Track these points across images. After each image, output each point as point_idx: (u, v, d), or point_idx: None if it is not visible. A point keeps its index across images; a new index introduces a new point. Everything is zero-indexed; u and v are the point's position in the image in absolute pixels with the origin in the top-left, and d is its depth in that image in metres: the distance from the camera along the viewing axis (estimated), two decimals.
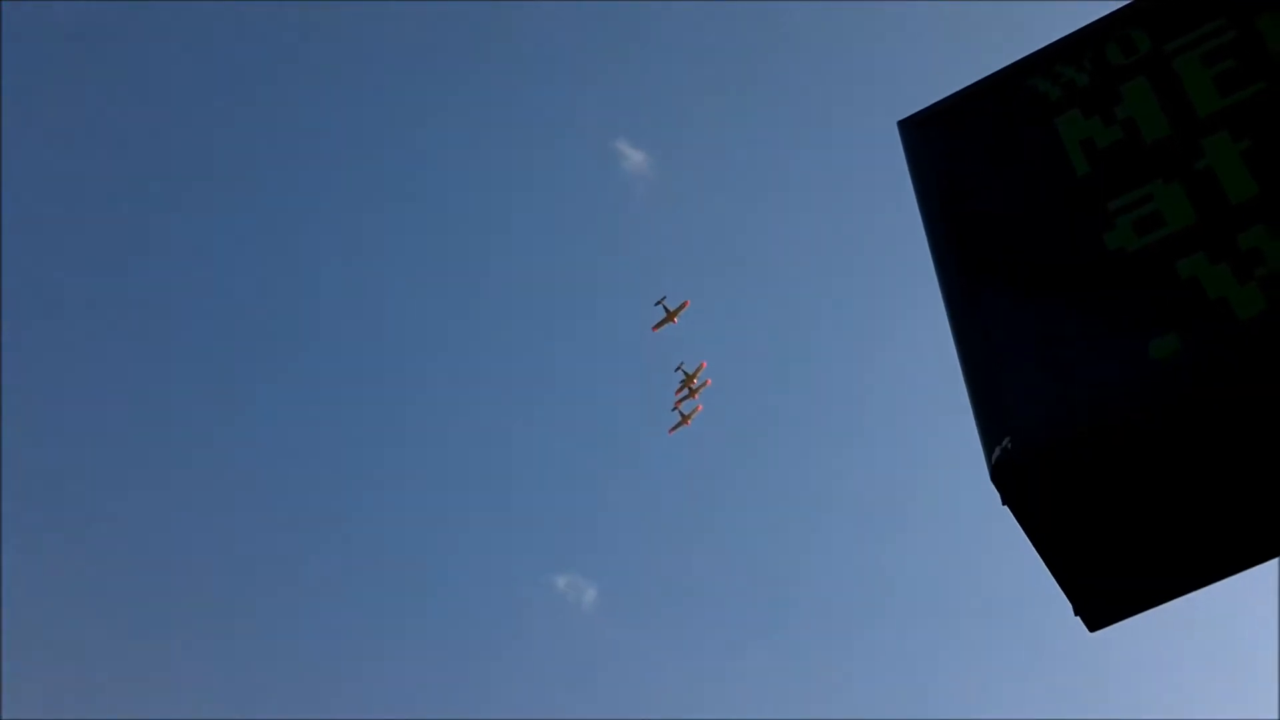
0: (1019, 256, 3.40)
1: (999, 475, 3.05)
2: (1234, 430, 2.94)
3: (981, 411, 3.18)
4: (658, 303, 57.13)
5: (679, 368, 57.73)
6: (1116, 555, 3.17)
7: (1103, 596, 3.24)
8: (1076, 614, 3.27)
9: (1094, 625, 3.28)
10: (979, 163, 3.63)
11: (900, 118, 3.88)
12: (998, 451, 3.07)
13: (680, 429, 60.21)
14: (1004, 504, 3.07)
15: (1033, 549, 3.18)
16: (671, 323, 58.04)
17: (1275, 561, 3.15)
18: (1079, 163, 3.44)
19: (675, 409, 59.62)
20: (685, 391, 58.50)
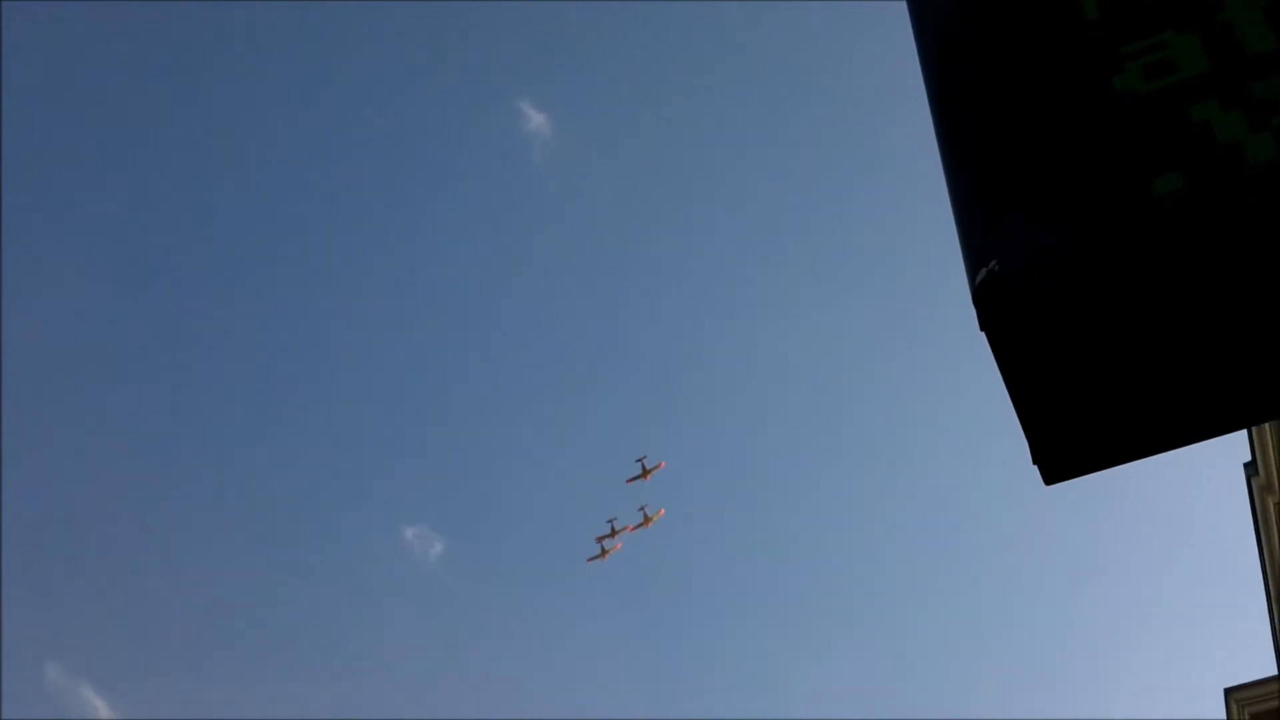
0: (1019, 89, 3.26)
1: (981, 297, 2.91)
2: (1229, 274, 2.82)
3: (969, 234, 3.03)
4: (638, 460, 58.73)
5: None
6: (1087, 402, 3.04)
7: (1065, 447, 3.10)
8: (1035, 463, 3.14)
9: (1050, 478, 3.16)
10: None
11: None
12: (983, 273, 2.92)
13: (597, 560, 60.84)
14: (981, 329, 2.93)
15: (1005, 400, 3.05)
16: (644, 479, 59.32)
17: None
18: (1089, 6, 3.31)
19: (601, 542, 59.98)
20: (612, 538, 59.32)
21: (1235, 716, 17.40)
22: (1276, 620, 14.81)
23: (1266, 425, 13.74)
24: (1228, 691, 17.42)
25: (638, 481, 62.32)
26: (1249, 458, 14.57)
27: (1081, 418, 3.06)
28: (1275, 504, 14.24)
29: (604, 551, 61.46)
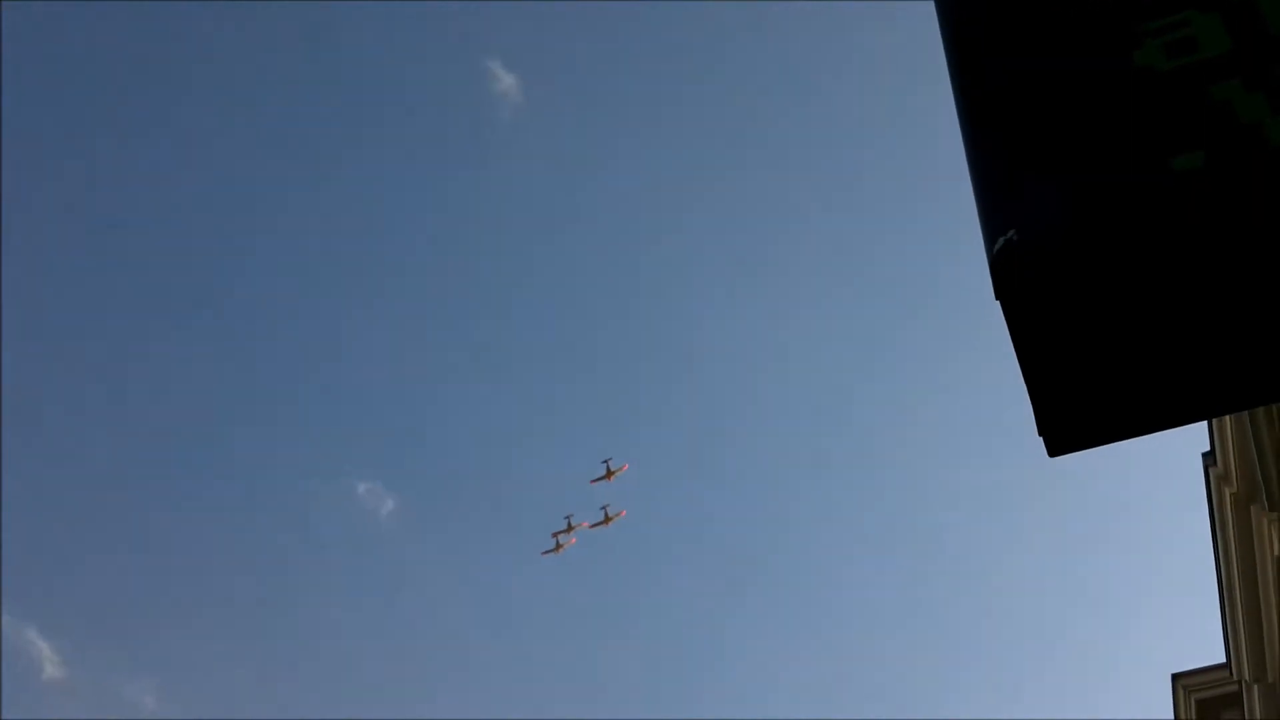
0: (1040, 65, 3.26)
1: (999, 266, 2.92)
2: (1248, 255, 2.84)
3: (988, 202, 3.03)
4: (604, 461, 60.07)
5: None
6: (1097, 374, 3.05)
7: (1072, 419, 3.12)
8: (1040, 434, 3.16)
9: (1055, 449, 3.17)
10: None
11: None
12: (1001, 241, 2.93)
13: (552, 553, 62.19)
14: (997, 297, 2.94)
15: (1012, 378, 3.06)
16: (608, 480, 60.69)
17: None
18: None
19: (556, 537, 61.21)
20: (567, 531, 60.65)
21: (1182, 702, 17.62)
22: (1227, 609, 14.98)
23: (1226, 416, 13.87)
24: (1175, 677, 17.64)
25: (601, 482, 63.76)
26: (1208, 448, 14.71)
27: (1090, 390, 3.07)
28: (1232, 495, 14.38)
29: (559, 545, 63.13)
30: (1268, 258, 2.79)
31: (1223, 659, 16.00)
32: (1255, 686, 14.77)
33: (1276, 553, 13.65)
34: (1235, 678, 15.29)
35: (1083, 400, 3.09)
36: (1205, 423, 14.50)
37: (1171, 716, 17.77)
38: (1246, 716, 15.26)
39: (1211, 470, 14.69)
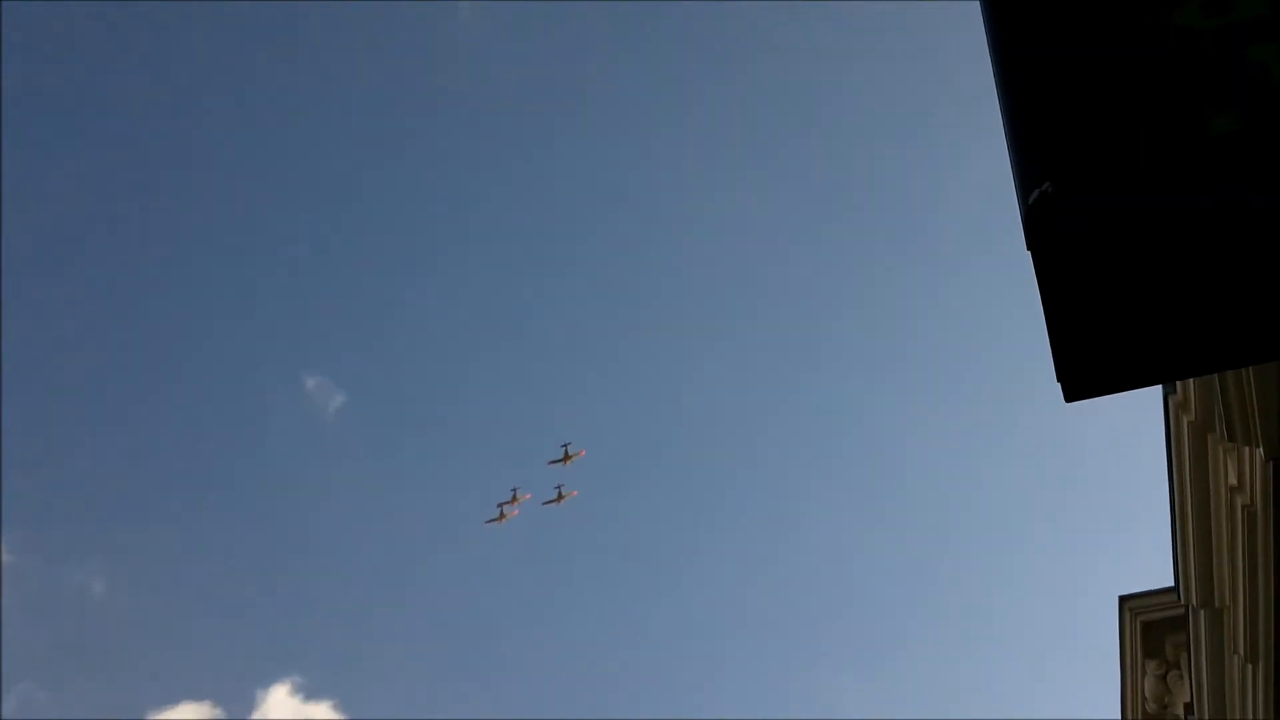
0: (1079, 21, 3.31)
1: (1033, 216, 2.99)
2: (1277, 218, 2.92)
3: (1024, 154, 3.10)
4: (562, 445, 61.68)
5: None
6: (1119, 324, 3.14)
7: (1090, 366, 3.22)
8: (1059, 379, 3.25)
9: (1071, 395, 3.27)
10: None
11: None
12: (1036, 193, 3.01)
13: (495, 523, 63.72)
14: (1029, 248, 3.02)
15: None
16: (564, 464, 62.45)
17: None
18: None
19: (500, 509, 62.74)
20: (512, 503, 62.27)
21: (1128, 624, 17.99)
22: (1178, 535, 15.27)
23: None
24: (1122, 599, 18.00)
25: (558, 465, 66.30)
26: None
27: (1110, 340, 3.17)
28: (1190, 423, 14.59)
29: (502, 515, 65.23)
30: None
31: (1170, 584, 16.34)
32: (1202, 611, 15.10)
33: (1230, 481, 13.90)
34: (1182, 602, 15.62)
35: (1102, 349, 3.18)
36: None
37: (1117, 638, 18.16)
38: (1191, 639, 15.62)
39: (1171, 398, 14.90)
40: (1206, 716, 15.52)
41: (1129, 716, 18.62)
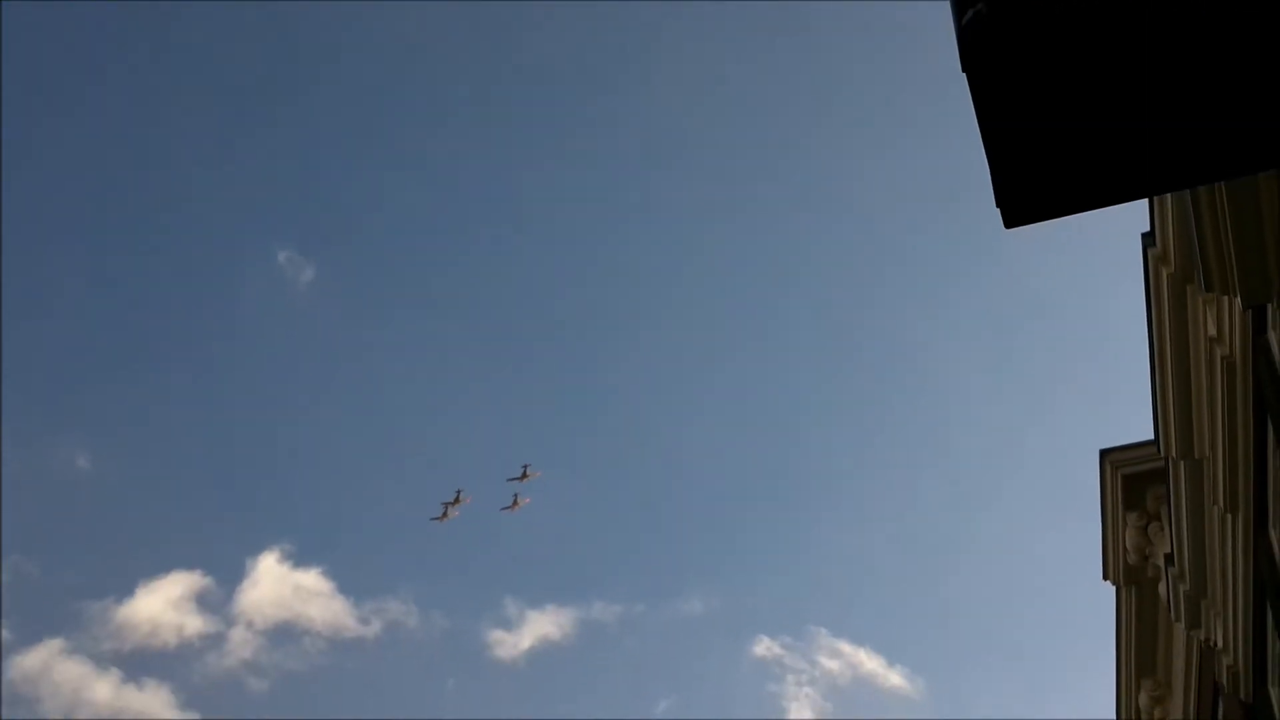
0: None
1: (967, 36, 2.92)
2: (1207, 31, 2.86)
3: None
4: (523, 465, 65.76)
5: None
6: (1055, 146, 3.09)
7: (1029, 191, 3.17)
8: (998, 205, 3.21)
9: (1011, 221, 3.22)
10: None
11: None
12: (970, 13, 2.93)
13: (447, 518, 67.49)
14: (964, 70, 2.96)
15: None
16: (521, 480, 66.26)
17: None
18: None
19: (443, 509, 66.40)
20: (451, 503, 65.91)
21: (1109, 477, 18.15)
22: (1158, 388, 15.34)
23: (1168, 196, 14.00)
24: (1103, 453, 18.14)
25: (515, 481, 71.59)
26: (1148, 228, 14.87)
27: (1047, 164, 3.11)
28: (1169, 275, 14.58)
29: (445, 514, 68.96)
30: (1222, 38, 2.81)
31: (1150, 437, 16.45)
32: (1182, 463, 15.21)
33: (1209, 333, 13.93)
34: (1162, 454, 15.73)
35: (1040, 173, 3.13)
36: (1146, 203, 14.62)
37: (1098, 490, 18.33)
38: (1171, 490, 15.76)
39: (1150, 251, 14.88)
40: (1186, 565, 15.72)
41: (1110, 568, 18.85)
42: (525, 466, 75.08)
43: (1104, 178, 3.16)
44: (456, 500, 73.19)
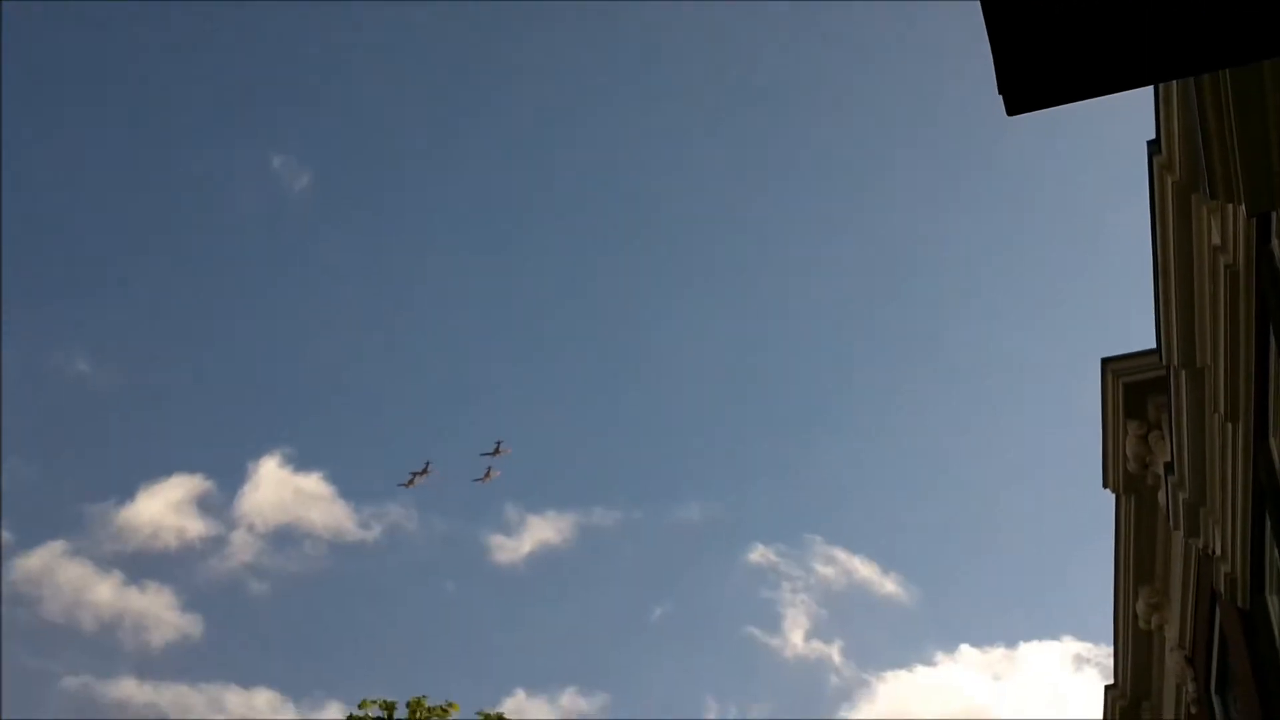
0: None
1: None
2: None
3: None
4: (497, 441, 69.01)
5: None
6: (1059, 31, 3.05)
7: (1032, 77, 3.13)
8: (1000, 91, 3.17)
9: (1014, 108, 3.19)
10: None
11: None
12: None
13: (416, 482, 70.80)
14: None
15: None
16: (494, 455, 69.43)
17: None
18: None
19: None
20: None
21: (1110, 385, 18.17)
22: (1161, 296, 15.32)
23: (1175, 102, 13.88)
24: (1105, 361, 18.15)
25: (489, 456, 74.36)
26: (1154, 135, 14.78)
27: (1050, 48, 3.08)
28: (1174, 183, 14.51)
29: (411, 482, 72.04)
30: None
31: (1152, 346, 16.46)
32: (1183, 371, 15.23)
33: (1213, 241, 13.89)
34: (1164, 363, 15.74)
35: (1042, 58, 3.09)
36: (1153, 111, 14.51)
37: (1099, 399, 18.36)
38: (1173, 399, 15.79)
39: (1155, 159, 14.80)
40: (1186, 474, 15.78)
41: (1110, 476, 18.93)
42: (499, 442, 79.64)
43: (1108, 62, 3.12)
44: (425, 471, 76.91)
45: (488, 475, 75.81)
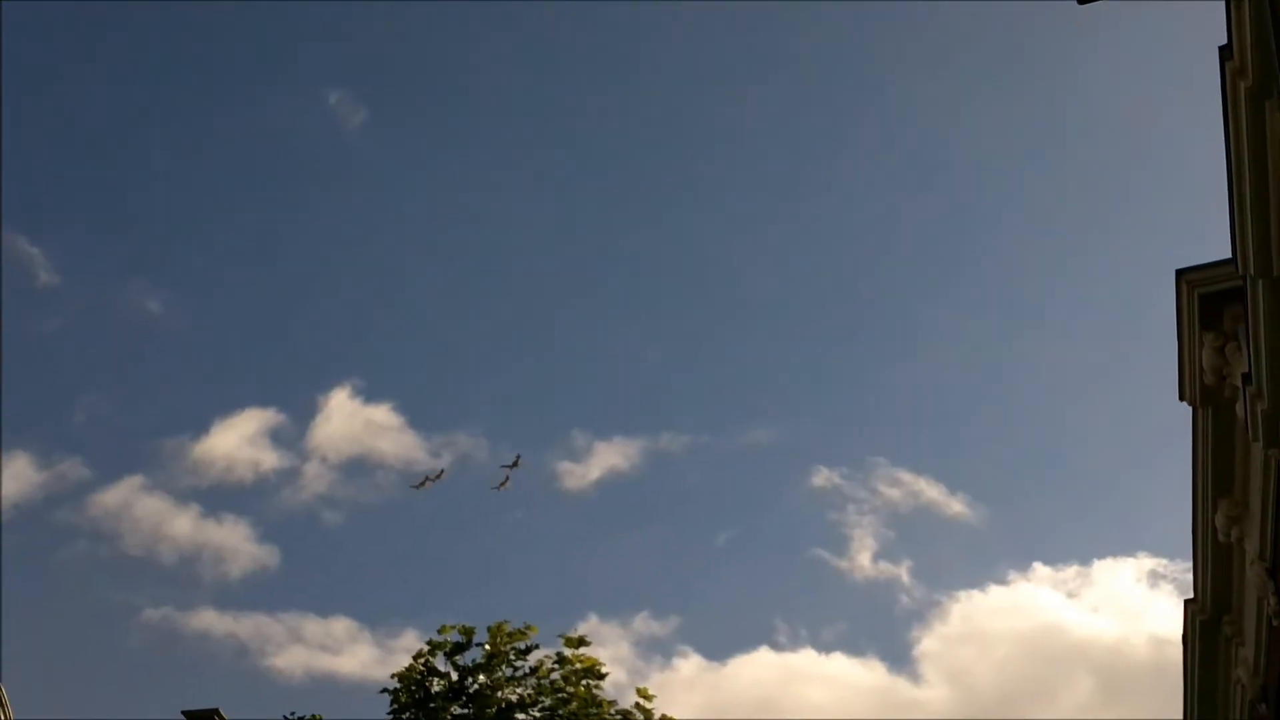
0: None
1: None
2: None
3: None
4: (516, 454, 70.12)
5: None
6: None
7: None
8: None
9: None
10: None
11: None
12: None
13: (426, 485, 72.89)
14: None
15: None
16: (512, 467, 70.64)
17: None
18: None
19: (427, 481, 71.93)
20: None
21: (1185, 296, 17.97)
22: (1235, 206, 15.11)
23: (1246, 6, 13.65)
24: (1179, 273, 17.94)
25: (507, 468, 75.79)
26: (1225, 41, 14.53)
27: None
28: (1246, 89, 14.27)
29: (424, 484, 73.84)
30: None
31: (1227, 256, 16.25)
32: (1260, 281, 15.03)
33: None
34: (1240, 272, 15.55)
35: None
36: (1225, 16, 14.26)
37: (1174, 312, 18.18)
38: (1250, 309, 15.59)
39: (1228, 65, 14.55)
40: (1264, 384, 15.60)
41: (1186, 389, 18.76)
42: (518, 455, 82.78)
43: None
44: (439, 475, 79.99)
45: (505, 483, 78.34)
